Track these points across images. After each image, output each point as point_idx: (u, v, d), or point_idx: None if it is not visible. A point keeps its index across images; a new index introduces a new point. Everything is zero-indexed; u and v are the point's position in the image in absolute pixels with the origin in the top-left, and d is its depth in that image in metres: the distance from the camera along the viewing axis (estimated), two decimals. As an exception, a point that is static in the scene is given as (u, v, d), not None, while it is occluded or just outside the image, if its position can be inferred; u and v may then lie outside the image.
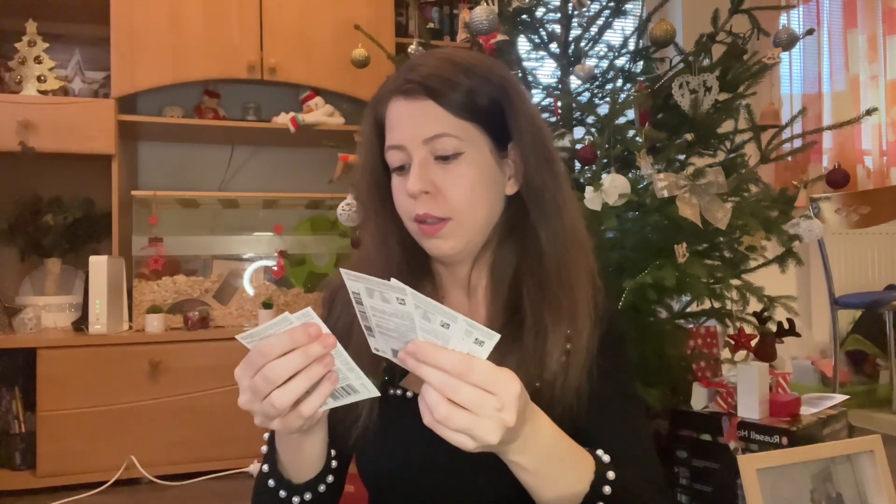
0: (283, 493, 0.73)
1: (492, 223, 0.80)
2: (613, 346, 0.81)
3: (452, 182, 0.75)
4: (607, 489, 0.67)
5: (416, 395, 0.79)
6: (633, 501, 0.70)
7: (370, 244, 0.83)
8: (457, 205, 0.75)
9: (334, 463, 0.76)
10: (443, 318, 0.56)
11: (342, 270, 0.59)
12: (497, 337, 0.56)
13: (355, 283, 0.59)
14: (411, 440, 0.78)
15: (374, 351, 0.63)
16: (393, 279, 0.56)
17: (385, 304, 0.58)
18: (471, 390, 0.55)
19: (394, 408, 0.80)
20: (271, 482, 0.74)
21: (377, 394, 0.63)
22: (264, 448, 0.77)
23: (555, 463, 0.65)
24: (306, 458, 0.73)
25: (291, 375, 0.58)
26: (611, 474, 0.68)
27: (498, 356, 0.75)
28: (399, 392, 0.82)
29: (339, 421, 0.78)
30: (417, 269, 0.82)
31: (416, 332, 0.58)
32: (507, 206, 0.81)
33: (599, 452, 0.70)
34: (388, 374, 0.81)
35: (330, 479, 0.75)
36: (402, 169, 0.77)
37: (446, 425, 0.55)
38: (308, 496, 0.74)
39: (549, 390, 0.74)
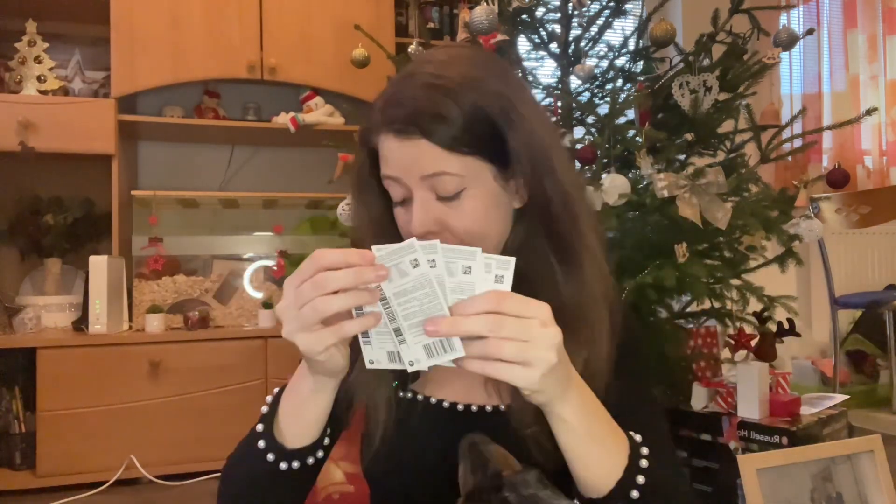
0: (271, 457, 0.71)
1: (503, 241, 0.77)
2: (629, 353, 0.79)
3: (457, 219, 0.72)
4: (644, 462, 0.67)
5: (427, 398, 0.80)
6: (667, 481, 0.70)
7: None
8: (464, 238, 0.73)
9: (327, 440, 0.75)
10: (463, 261, 0.58)
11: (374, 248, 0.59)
12: (512, 260, 0.58)
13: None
14: (425, 442, 0.78)
15: (369, 365, 0.63)
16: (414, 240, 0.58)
17: (404, 278, 0.59)
18: (511, 319, 0.57)
19: (405, 411, 0.79)
20: (262, 443, 0.71)
21: (419, 367, 0.63)
22: (264, 408, 0.74)
23: (598, 424, 0.66)
24: (309, 418, 0.71)
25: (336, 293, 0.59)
26: (644, 450, 0.69)
27: None
28: (409, 395, 0.81)
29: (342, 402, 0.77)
30: None
31: (445, 297, 0.59)
32: (518, 219, 0.78)
33: (631, 433, 0.70)
34: (399, 377, 0.80)
35: (320, 454, 0.74)
36: (403, 202, 0.74)
37: (501, 357, 0.57)
38: (296, 464, 0.71)
39: None
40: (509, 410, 0.76)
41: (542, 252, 0.76)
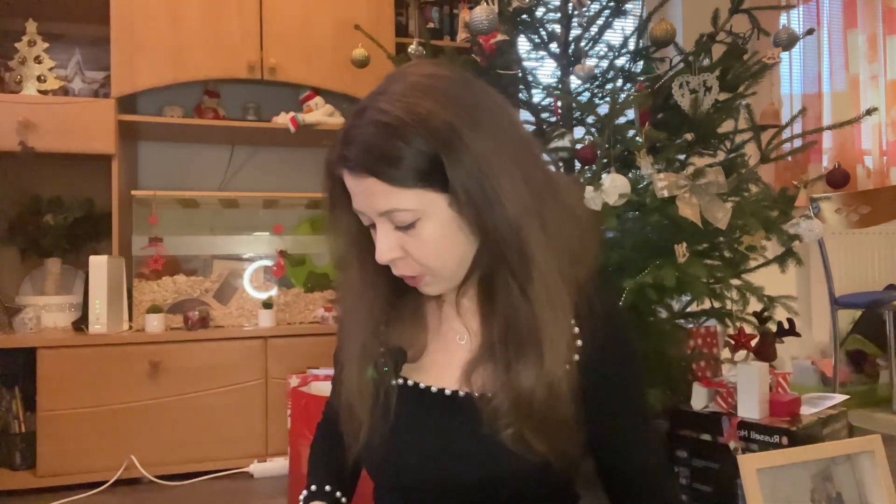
0: None
1: (469, 260, 0.79)
2: (611, 348, 0.81)
3: (416, 247, 0.75)
4: None
5: (416, 384, 0.83)
6: None
7: (358, 278, 0.84)
8: (426, 263, 0.76)
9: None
10: None
11: None
12: None
13: None
14: (417, 428, 0.81)
15: None
16: None
17: None
18: None
19: (396, 396, 0.83)
20: None
21: None
22: None
23: None
24: None
25: None
26: None
27: (491, 371, 0.78)
28: (400, 381, 0.84)
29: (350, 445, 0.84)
30: (412, 290, 0.83)
31: None
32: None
33: None
34: (389, 364, 0.82)
35: None
36: (372, 226, 0.78)
37: None
38: None
39: (537, 405, 0.75)
40: (482, 403, 0.78)
41: (501, 270, 0.77)
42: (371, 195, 0.74)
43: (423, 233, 0.74)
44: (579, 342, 0.79)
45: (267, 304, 2.65)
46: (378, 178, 0.72)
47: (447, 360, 0.84)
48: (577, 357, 0.79)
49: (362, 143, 0.72)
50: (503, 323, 0.77)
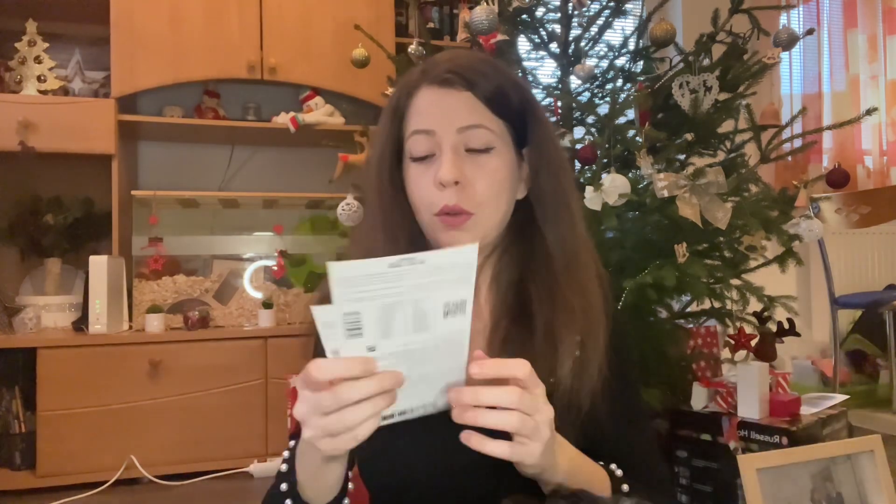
0: None
1: (504, 224, 0.80)
2: (618, 346, 0.81)
3: (483, 175, 0.75)
4: (627, 502, 0.71)
5: None
6: None
7: (370, 236, 0.81)
8: (483, 199, 0.75)
9: (350, 485, 0.74)
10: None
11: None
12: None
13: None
14: (421, 447, 0.78)
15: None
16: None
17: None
18: (527, 394, 0.59)
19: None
20: (289, 502, 0.70)
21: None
22: (283, 466, 0.73)
23: (583, 475, 0.70)
24: (328, 482, 0.69)
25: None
26: (625, 487, 0.73)
27: (507, 358, 0.77)
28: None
29: None
30: None
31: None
32: (515, 210, 0.81)
33: (613, 467, 0.74)
34: None
35: (346, 501, 0.73)
36: (425, 158, 0.77)
37: (513, 430, 0.59)
38: None
39: (563, 393, 0.74)
40: None
41: (537, 242, 0.79)
42: (459, 108, 0.75)
43: (492, 162, 0.76)
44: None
45: (267, 304, 2.65)
46: (474, 92, 0.75)
47: None
48: (577, 353, 0.78)
49: (467, 63, 0.76)
50: (543, 293, 0.77)
